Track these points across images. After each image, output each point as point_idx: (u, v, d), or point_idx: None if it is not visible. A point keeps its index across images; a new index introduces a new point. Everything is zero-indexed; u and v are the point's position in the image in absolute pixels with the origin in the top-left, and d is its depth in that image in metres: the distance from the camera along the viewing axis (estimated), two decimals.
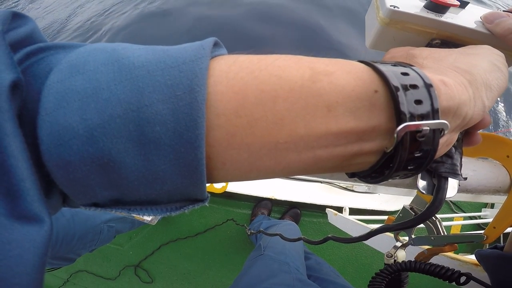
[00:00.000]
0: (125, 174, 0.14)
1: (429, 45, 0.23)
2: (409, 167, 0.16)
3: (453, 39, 0.23)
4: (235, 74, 0.15)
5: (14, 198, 0.12)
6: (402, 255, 0.34)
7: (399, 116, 0.15)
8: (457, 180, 0.21)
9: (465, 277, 0.26)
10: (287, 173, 0.16)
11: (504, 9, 0.23)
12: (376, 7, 0.23)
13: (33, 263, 0.12)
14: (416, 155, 0.16)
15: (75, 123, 0.13)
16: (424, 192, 0.22)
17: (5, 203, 0.12)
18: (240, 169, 0.15)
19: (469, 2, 0.23)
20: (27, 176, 0.12)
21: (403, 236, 0.36)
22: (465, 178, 0.22)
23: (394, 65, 0.17)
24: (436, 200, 0.21)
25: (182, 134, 0.13)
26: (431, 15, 0.22)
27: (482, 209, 1.54)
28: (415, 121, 0.15)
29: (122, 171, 0.13)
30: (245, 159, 0.15)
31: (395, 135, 0.15)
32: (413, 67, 0.17)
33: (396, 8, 0.22)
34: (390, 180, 0.23)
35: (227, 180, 0.16)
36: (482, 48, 0.20)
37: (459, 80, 0.17)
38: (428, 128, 0.15)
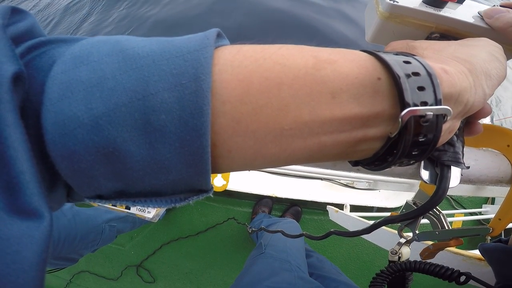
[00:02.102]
0: (130, 163, 0.14)
1: (428, 38, 0.24)
2: (413, 153, 0.16)
3: (451, 32, 0.23)
4: (239, 63, 0.15)
5: (13, 192, 0.12)
6: (406, 252, 0.33)
7: (402, 101, 0.15)
8: (460, 169, 0.22)
9: (465, 277, 0.26)
10: (292, 160, 0.16)
11: (501, 5, 0.24)
12: (376, 1, 0.23)
13: (31, 261, 0.12)
14: (420, 139, 0.16)
15: (80, 112, 0.13)
16: (427, 181, 0.22)
17: (4, 197, 0.12)
18: (245, 157, 0.15)
19: None
20: (27, 168, 0.12)
21: (407, 232, 0.36)
22: (468, 167, 0.22)
23: (396, 54, 0.17)
24: (439, 189, 0.21)
25: (187, 121, 0.13)
26: (430, 9, 0.22)
27: (483, 205, 1.54)
28: (418, 107, 0.15)
29: (127, 161, 0.13)
30: (250, 146, 0.15)
31: (400, 120, 0.15)
32: (415, 56, 0.17)
33: (395, 3, 0.22)
34: (393, 169, 0.23)
35: (232, 169, 0.16)
36: (481, 40, 0.21)
37: (459, 68, 0.17)
38: (432, 113, 0.15)
